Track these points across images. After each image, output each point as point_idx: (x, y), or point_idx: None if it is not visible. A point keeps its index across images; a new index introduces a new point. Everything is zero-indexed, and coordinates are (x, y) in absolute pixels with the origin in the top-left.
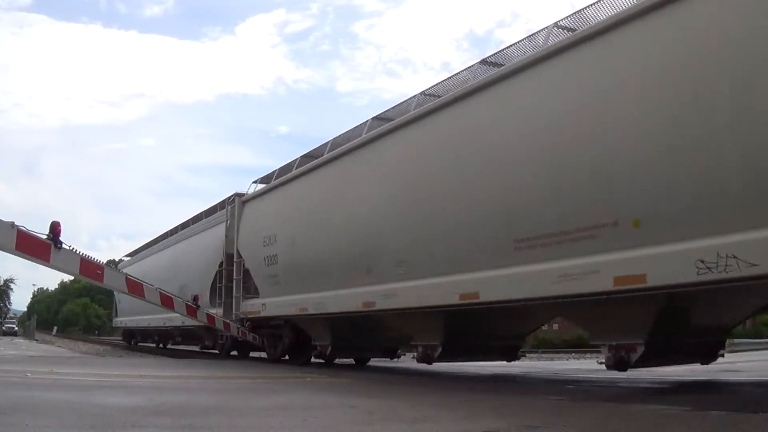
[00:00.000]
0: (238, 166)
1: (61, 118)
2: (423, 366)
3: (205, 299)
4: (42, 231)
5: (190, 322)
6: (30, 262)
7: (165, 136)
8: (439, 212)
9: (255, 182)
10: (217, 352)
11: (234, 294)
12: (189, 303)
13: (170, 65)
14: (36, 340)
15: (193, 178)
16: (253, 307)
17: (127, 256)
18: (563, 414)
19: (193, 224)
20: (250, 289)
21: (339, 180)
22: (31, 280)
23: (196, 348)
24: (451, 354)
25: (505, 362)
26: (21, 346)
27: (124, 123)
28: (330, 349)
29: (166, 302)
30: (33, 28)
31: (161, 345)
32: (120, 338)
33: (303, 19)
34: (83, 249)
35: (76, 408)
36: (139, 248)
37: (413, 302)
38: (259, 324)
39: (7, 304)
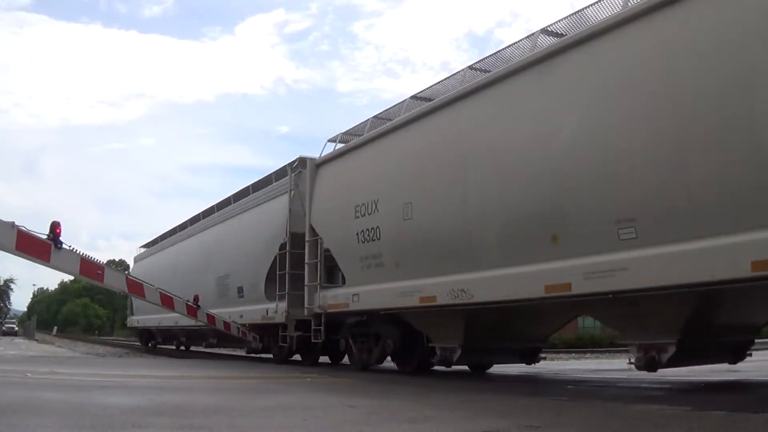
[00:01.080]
0: (238, 166)
1: (61, 118)
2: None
3: (258, 291)
4: (42, 231)
5: (236, 319)
6: (30, 262)
7: (165, 136)
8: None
9: (332, 140)
10: (270, 357)
11: (306, 282)
12: (189, 303)
13: (170, 65)
14: (36, 340)
15: (193, 178)
16: (337, 298)
17: (143, 246)
18: (563, 414)
19: (235, 202)
20: (329, 276)
21: (496, 114)
22: (31, 280)
23: (236, 351)
24: (684, 356)
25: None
26: (21, 346)
27: (124, 123)
28: (460, 351)
29: (167, 302)
30: (33, 28)
31: (184, 347)
32: (124, 339)
33: (302, 19)
34: (83, 249)
35: (76, 408)
36: (157, 237)
37: (656, 280)
38: (335, 321)
39: (7, 304)
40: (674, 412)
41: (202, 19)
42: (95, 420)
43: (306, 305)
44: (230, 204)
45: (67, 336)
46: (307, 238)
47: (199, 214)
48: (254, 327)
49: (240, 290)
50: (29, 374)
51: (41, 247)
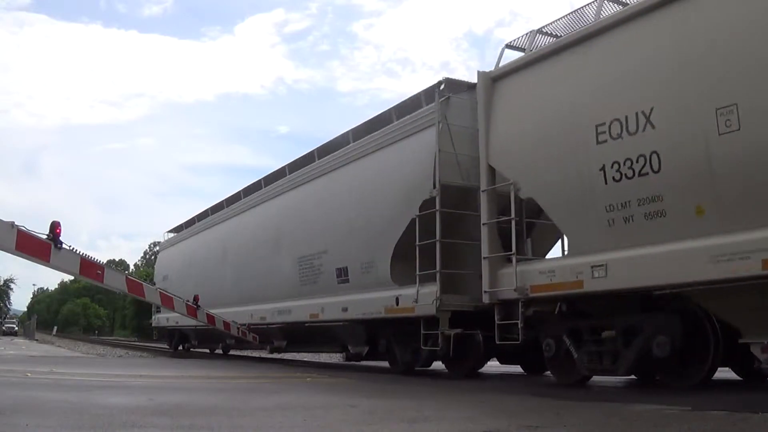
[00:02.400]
0: (238, 166)
1: (62, 118)
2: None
3: (380, 272)
4: (42, 231)
5: (324, 316)
6: (30, 262)
7: (165, 136)
8: None
9: (512, 47)
10: (382, 364)
11: (484, 254)
12: (189, 302)
13: (170, 65)
14: (36, 340)
15: (193, 178)
16: (553, 275)
17: (170, 231)
18: (563, 414)
19: (320, 158)
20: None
21: None
22: (31, 280)
23: (323, 357)
24: None
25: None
26: (21, 346)
27: (124, 123)
28: None
29: (166, 302)
30: (33, 28)
31: (221, 351)
32: (124, 339)
33: (302, 19)
34: (83, 249)
35: (76, 408)
36: (193, 218)
37: None
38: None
39: (7, 304)
40: (674, 412)
41: (202, 19)
42: (95, 420)
43: (486, 288)
44: (314, 161)
45: (67, 336)
46: (483, 188)
47: (259, 181)
48: (345, 326)
49: (342, 273)
50: (29, 374)
51: (41, 247)
